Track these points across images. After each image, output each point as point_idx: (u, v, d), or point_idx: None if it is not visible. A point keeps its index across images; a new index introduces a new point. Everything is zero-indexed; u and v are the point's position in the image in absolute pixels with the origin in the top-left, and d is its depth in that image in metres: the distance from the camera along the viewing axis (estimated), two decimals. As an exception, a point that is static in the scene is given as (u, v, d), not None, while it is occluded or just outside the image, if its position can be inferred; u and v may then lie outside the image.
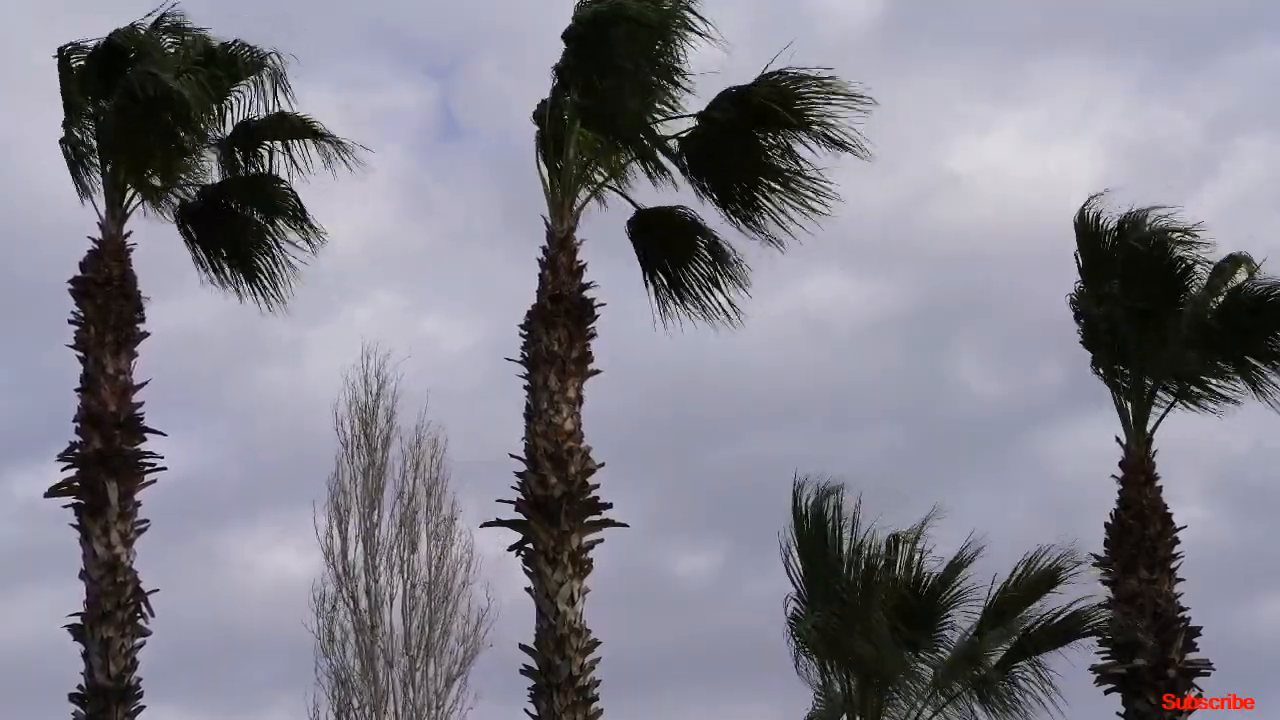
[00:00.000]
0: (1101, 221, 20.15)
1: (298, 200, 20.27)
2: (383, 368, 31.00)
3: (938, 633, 17.65)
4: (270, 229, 20.42)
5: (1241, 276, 19.99)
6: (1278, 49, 47.17)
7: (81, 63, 19.65)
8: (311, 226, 20.32)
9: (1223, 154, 44.57)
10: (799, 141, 19.03)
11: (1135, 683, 19.37)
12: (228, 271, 20.61)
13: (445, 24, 45.84)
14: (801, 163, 19.11)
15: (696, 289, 20.04)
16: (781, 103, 18.67)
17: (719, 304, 20.01)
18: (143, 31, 19.48)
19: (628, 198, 19.80)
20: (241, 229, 20.44)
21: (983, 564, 17.80)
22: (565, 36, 18.87)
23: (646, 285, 20.04)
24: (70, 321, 19.27)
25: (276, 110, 20.05)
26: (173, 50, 19.60)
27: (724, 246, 19.86)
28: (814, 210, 19.16)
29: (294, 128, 20.07)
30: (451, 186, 45.85)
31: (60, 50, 19.69)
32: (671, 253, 19.97)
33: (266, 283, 20.55)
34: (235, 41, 19.87)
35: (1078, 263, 20.41)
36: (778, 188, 19.27)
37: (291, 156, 20.20)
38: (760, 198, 19.41)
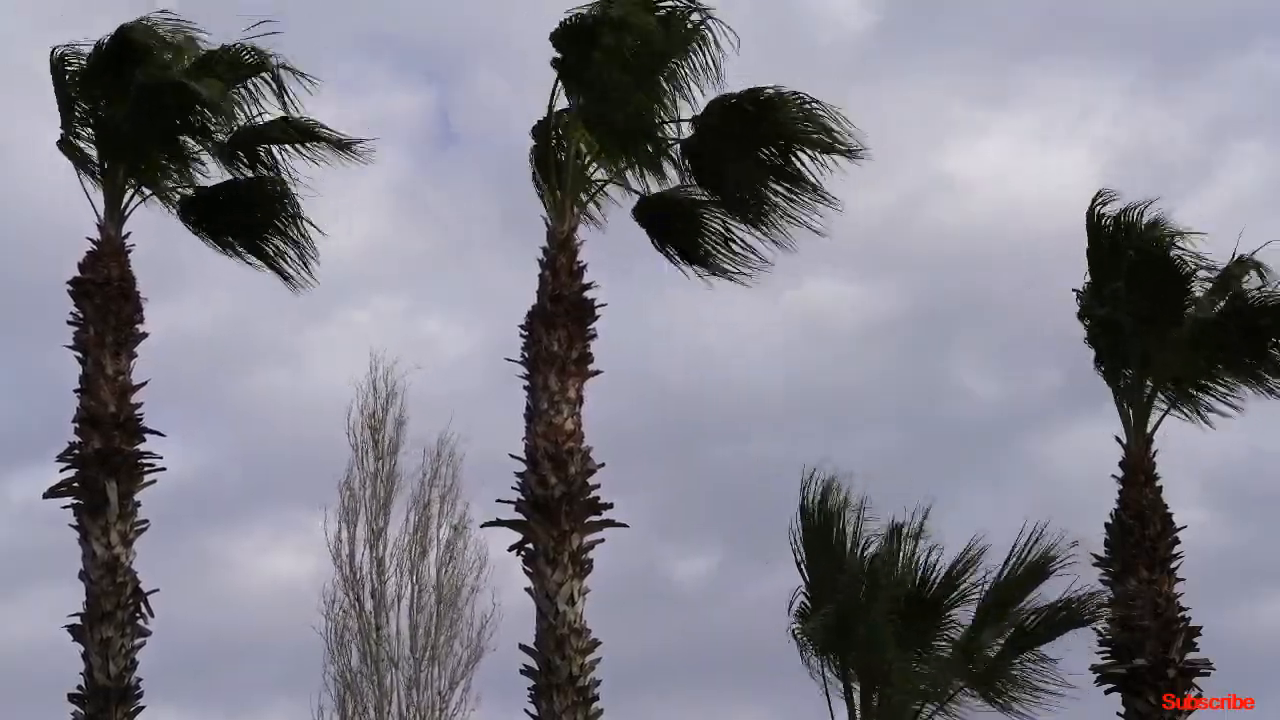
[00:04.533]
0: (1110, 221, 20.13)
1: (296, 205, 20.25)
2: (390, 373, 31.23)
3: (941, 631, 17.63)
4: (276, 224, 20.39)
5: (1250, 281, 19.91)
6: (1272, 54, 47.25)
7: (81, 64, 19.58)
8: (308, 230, 20.37)
9: (1217, 159, 44.66)
10: (795, 149, 19.18)
11: (1135, 683, 19.32)
12: (243, 254, 20.63)
13: (442, 30, 45.93)
14: (801, 167, 19.25)
15: (709, 250, 20.12)
16: (770, 114, 18.82)
17: (733, 261, 20.13)
18: (150, 28, 19.39)
19: (633, 189, 19.90)
20: (247, 224, 20.44)
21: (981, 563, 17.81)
22: (561, 39, 18.89)
23: (660, 255, 20.24)
24: (69, 322, 19.27)
25: (279, 115, 19.87)
26: (175, 51, 19.57)
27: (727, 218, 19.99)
28: (814, 213, 19.37)
29: (296, 131, 19.94)
30: (449, 191, 45.95)
31: (54, 52, 19.56)
32: (679, 225, 20.06)
33: (286, 265, 20.57)
34: (236, 44, 19.64)
35: (1089, 260, 20.36)
36: (780, 190, 19.38)
37: (287, 159, 20.18)
38: (762, 202, 19.51)
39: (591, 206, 20.01)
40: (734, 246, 20.05)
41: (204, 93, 19.15)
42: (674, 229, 20.07)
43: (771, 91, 18.89)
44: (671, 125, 19.29)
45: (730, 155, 19.25)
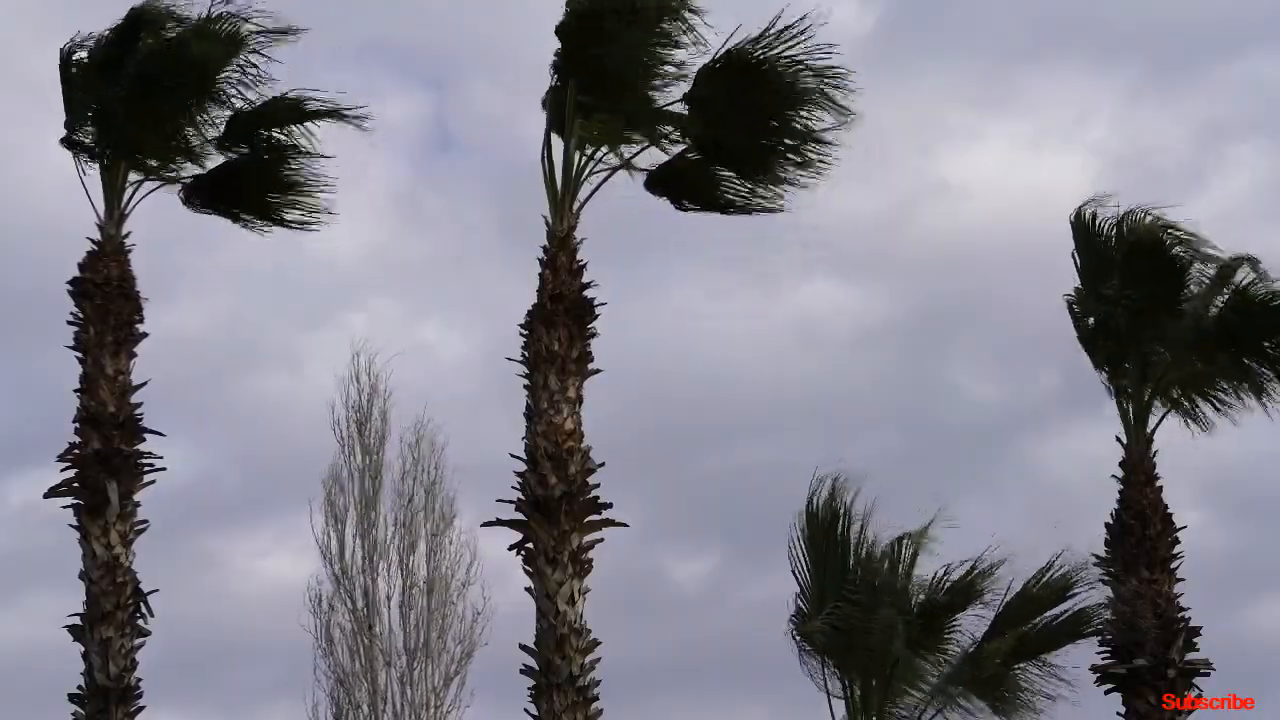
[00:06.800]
0: (1099, 221, 20.17)
1: (309, 168, 20.38)
2: (373, 365, 31.02)
3: (947, 635, 17.61)
4: (290, 191, 20.51)
5: (1245, 278, 19.92)
6: (1266, 58, 47.27)
7: (86, 58, 19.54)
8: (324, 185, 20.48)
9: (1211, 163, 44.68)
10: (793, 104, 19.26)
11: (1135, 683, 19.36)
12: (258, 225, 20.72)
13: (440, 36, 45.94)
14: (802, 123, 19.28)
15: (732, 198, 20.09)
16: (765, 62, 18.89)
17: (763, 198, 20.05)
18: (159, 7, 19.39)
19: (638, 167, 19.82)
20: (260, 197, 20.54)
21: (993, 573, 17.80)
22: (560, 30, 18.92)
23: (680, 214, 20.26)
24: (69, 322, 19.25)
25: (274, 96, 19.93)
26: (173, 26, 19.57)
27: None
28: (820, 168, 19.43)
29: (291, 110, 19.97)
30: (448, 198, 46.00)
31: (63, 49, 19.53)
32: (694, 183, 20.03)
33: (305, 223, 20.71)
34: (224, 14, 19.56)
35: (1075, 264, 20.41)
36: (781, 148, 19.43)
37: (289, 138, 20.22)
38: (765, 159, 19.56)
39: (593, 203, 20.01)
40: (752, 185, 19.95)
41: (193, 50, 19.16)
42: (690, 187, 20.01)
43: (763, 52, 18.92)
44: (667, 92, 19.37)
45: (729, 118, 19.24)
